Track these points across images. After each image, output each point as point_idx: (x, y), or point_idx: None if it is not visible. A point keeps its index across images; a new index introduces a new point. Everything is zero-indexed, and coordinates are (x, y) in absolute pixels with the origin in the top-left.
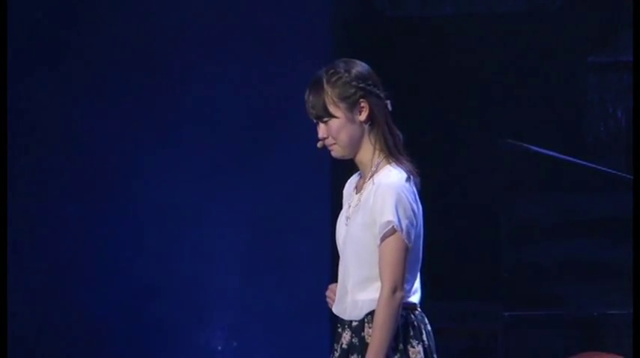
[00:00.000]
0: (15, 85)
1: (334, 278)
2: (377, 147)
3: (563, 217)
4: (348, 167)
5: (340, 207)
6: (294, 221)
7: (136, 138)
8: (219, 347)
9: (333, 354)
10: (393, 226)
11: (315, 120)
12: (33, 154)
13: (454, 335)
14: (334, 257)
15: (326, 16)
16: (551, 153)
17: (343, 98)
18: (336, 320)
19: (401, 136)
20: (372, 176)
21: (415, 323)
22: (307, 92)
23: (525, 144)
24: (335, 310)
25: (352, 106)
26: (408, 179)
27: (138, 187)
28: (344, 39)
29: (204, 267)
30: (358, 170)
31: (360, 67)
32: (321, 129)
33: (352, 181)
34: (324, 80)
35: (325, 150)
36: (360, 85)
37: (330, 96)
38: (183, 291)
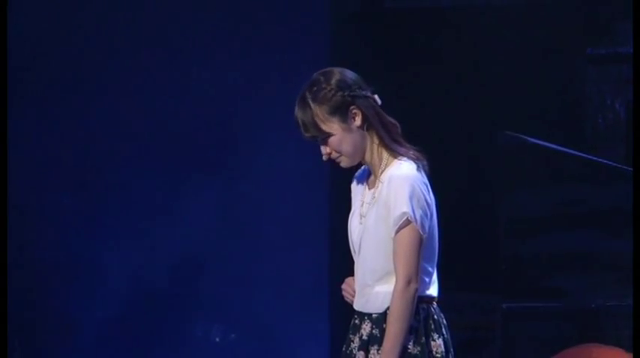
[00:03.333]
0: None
1: (333, 274)
2: (379, 144)
3: (562, 209)
4: (346, 171)
5: (340, 210)
6: (294, 221)
7: (135, 135)
8: (217, 339)
9: (349, 345)
10: (407, 218)
11: (313, 141)
12: (31, 147)
13: (452, 326)
14: (332, 255)
15: (325, 7)
16: (549, 145)
17: (333, 112)
18: (337, 315)
19: (398, 125)
20: (382, 172)
21: (435, 316)
22: (296, 115)
23: (523, 136)
24: (356, 306)
25: (344, 116)
26: (418, 169)
27: (138, 184)
28: (343, 30)
29: (203, 262)
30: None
31: (338, 74)
32: (323, 147)
33: (360, 176)
34: (309, 100)
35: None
36: (346, 93)
37: (320, 115)
38: (181, 283)
